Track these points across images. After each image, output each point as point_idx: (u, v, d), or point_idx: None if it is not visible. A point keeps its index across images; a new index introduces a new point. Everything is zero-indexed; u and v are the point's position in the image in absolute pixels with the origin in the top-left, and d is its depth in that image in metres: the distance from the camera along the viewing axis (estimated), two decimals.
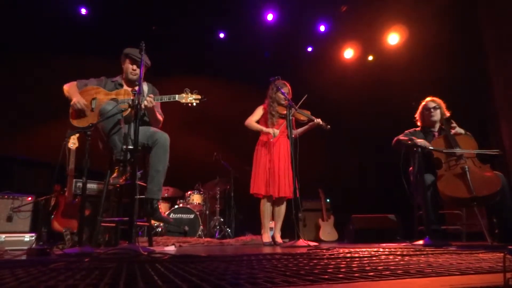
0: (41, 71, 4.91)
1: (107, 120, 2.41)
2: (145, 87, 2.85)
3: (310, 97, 3.54)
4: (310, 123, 3.54)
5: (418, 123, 3.38)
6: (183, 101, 2.60)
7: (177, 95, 2.61)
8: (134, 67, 2.77)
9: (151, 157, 2.55)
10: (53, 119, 4.44)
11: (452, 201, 2.82)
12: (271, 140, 3.51)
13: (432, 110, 3.21)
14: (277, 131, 3.45)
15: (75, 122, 2.61)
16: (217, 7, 5.51)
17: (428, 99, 3.30)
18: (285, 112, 3.50)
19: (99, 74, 2.87)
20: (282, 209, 3.56)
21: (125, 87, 2.81)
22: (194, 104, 2.62)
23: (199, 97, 2.63)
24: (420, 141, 3.01)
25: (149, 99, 2.55)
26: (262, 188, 3.45)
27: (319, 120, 3.48)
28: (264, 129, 3.53)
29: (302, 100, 3.51)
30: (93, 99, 2.65)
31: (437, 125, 3.24)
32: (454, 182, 2.76)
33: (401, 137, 3.23)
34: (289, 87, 3.63)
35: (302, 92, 3.59)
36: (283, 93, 3.48)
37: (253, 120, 3.63)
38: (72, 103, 2.58)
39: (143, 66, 2.48)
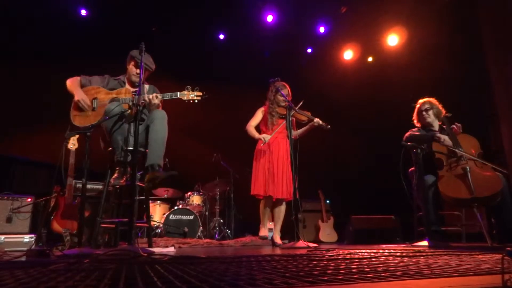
0: (41, 72, 4.91)
1: (111, 119, 2.42)
2: (147, 86, 2.86)
3: (310, 98, 3.55)
4: (310, 123, 3.56)
5: (417, 125, 3.38)
6: (185, 98, 2.60)
7: (178, 93, 2.61)
8: (138, 70, 2.75)
9: (150, 132, 2.53)
10: (53, 120, 4.44)
11: (453, 201, 2.82)
12: (261, 145, 3.54)
13: (424, 112, 3.24)
14: (267, 137, 3.46)
15: (77, 121, 2.59)
16: (216, 8, 5.52)
17: (421, 100, 3.33)
18: (285, 112, 3.51)
19: (99, 74, 2.87)
20: (281, 210, 3.55)
21: (127, 86, 2.81)
22: (196, 101, 2.62)
23: (200, 93, 2.63)
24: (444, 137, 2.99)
25: (154, 94, 2.56)
26: (262, 189, 3.45)
27: (318, 120, 3.49)
28: (256, 136, 3.55)
29: (299, 104, 3.52)
30: (94, 99, 2.65)
31: (436, 124, 3.25)
32: (455, 183, 2.76)
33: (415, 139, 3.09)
34: (289, 89, 3.65)
35: (302, 93, 3.59)
36: (282, 95, 3.49)
37: (252, 125, 3.65)
38: (76, 99, 2.57)
39: (143, 67, 2.48)
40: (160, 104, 2.73)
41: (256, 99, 3.84)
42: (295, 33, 6.13)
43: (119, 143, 2.46)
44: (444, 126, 3.15)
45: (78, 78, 2.73)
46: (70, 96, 2.67)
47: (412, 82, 4.96)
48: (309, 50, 6.54)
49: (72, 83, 2.68)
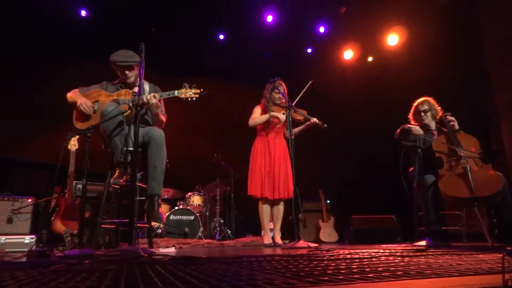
0: (42, 74, 4.92)
1: (109, 122, 2.42)
2: (146, 86, 2.83)
3: (309, 98, 3.54)
4: (307, 123, 3.53)
5: (412, 123, 3.36)
6: (182, 96, 2.57)
7: (176, 91, 2.59)
8: (125, 71, 2.72)
9: (148, 155, 2.52)
10: (54, 121, 4.44)
11: (453, 201, 2.82)
12: (278, 126, 3.50)
13: (422, 113, 3.20)
14: (283, 116, 3.43)
15: (79, 125, 2.61)
16: (216, 8, 5.52)
17: (419, 100, 3.27)
18: (281, 111, 3.51)
19: (99, 77, 2.87)
20: (280, 210, 3.54)
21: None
22: (194, 98, 2.59)
23: (198, 91, 2.60)
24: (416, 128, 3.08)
25: (152, 94, 2.55)
26: (258, 190, 3.44)
27: (315, 119, 3.46)
28: (272, 113, 3.48)
29: (307, 86, 3.47)
30: (95, 101, 2.65)
31: (432, 125, 3.22)
32: (456, 182, 2.75)
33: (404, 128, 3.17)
34: (285, 87, 3.62)
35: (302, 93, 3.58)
36: (281, 93, 3.48)
37: (255, 116, 3.61)
38: (78, 104, 2.57)
39: (143, 67, 2.47)
40: (160, 103, 2.72)
41: (256, 99, 3.83)
42: (295, 33, 6.13)
43: (118, 145, 2.47)
44: (445, 129, 3.13)
45: (77, 90, 2.73)
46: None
47: (412, 82, 4.95)
48: (309, 50, 6.55)
49: (72, 94, 2.69)
